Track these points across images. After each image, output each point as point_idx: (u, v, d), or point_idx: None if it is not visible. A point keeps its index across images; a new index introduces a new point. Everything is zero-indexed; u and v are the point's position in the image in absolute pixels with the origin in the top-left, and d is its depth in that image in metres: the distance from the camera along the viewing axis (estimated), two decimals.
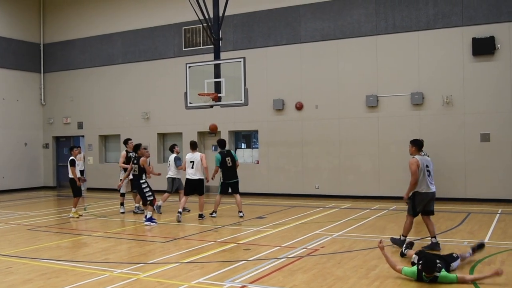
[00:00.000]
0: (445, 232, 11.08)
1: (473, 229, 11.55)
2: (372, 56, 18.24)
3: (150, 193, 13.28)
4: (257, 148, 20.55)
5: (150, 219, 13.11)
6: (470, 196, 16.60)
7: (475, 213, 14.08)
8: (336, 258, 8.83)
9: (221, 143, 14.47)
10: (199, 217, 13.81)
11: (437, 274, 7.15)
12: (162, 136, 22.66)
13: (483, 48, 16.54)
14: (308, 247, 9.77)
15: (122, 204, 15.66)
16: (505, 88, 16.38)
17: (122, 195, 15.65)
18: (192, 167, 13.91)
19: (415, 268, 7.33)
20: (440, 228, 11.46)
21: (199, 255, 9.29)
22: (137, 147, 13.79)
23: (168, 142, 22.53)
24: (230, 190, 14.16)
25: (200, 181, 13.92)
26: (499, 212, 14.24)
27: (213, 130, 14.67)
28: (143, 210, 15.30)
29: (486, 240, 10.24)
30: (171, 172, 15.20)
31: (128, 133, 21.50)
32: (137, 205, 15.43)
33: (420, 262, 7.27)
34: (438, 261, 7.28)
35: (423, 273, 7.18)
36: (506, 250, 9.20)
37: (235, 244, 10.29)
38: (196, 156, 14.01)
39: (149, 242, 10.82)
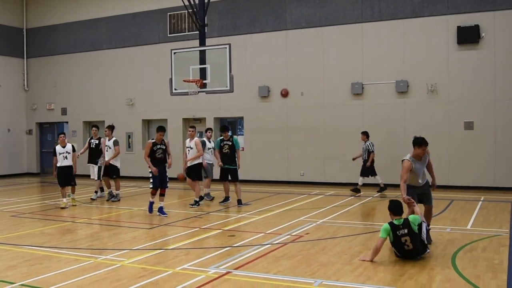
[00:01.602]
0: None
1: (456, 216, 11.66)
2: (358, 43, 18.22)
3: (151, 181, 12.10)
4: (242, 135, 20.51)
5: (158, 209, 12.29)
6: (453, 184, 16.73)
7: (458, 200, 14.21)
8: (320, 244, 8.87)
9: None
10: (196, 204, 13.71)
11: (406, 217, 7.81)
12: (147, 123, 22.52)
13: (468, 36, 16.59)
14: (293, 234, 9.79)
15: (102, 189, 15.54)
16: (488, 76, 16.48)
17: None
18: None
19: (386, 224, 7.79)
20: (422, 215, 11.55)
21: (184, 242, 9.28)
22: (160, 129, 12.13)
23: (153, 128, 22.41)
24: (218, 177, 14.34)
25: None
26: (481, 199, 14.38)
27: (181, 178, 14.28)
28: (113, 196, 15.04)
29: (468, 227, 10.36)
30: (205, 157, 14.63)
31: (113, 120, 21.30)
32: (109, 191, 15.18)
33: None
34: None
35: (394, 221, 7.70)
36: (488, 237, 9.30)
37: (220, 231, 10.28)
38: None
39: (133, 228, 10.77)
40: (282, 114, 19.41)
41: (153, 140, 12.10)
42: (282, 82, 19.40)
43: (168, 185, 12.40)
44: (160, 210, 12.21)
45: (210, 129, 15.33)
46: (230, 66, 14.17)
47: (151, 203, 12.36)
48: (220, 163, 13.67)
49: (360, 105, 18.17)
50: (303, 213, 12.26)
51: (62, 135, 14.02)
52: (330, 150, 18.63)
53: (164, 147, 12.15)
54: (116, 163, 15.05)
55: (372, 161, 15.83)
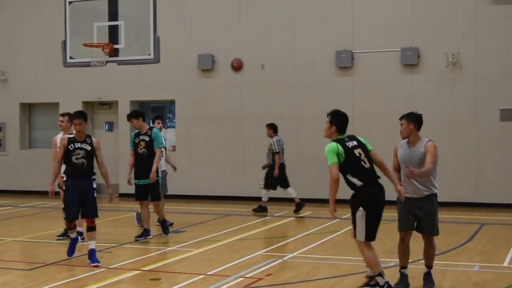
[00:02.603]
0: (446, 253, 11.27)
1: (487, 249, 11.81)
2: None
3: (63, 205, 11.36)
4: (174, 127, 20.41)
5: (88, 254, 10.87)
6: (484, 200, 17.00)
7: (490, 224, 14.45)
8: None
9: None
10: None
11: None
12: (28, 108, 22.14)
13: None
14: (247, 276, 9.77)
15: None
16: None
17: None
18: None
19: (330, 144, 8.41)
20: (440, 246, 11.53)
21: None
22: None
23: (37, 116, 22.05)
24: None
25: None
26: None
27: None
28: None
29: (505, 264, 10.50)
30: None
31: None
32: None
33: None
34: None
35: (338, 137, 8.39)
36: None
37: (138, 272, 10.19)
38: None
39: (4, 269, 10.54)
40: (234, 96, 19.39)
41: (71, 136, 11.00)
42: (233, 49, 19.38)
43: (97, 213, 11.10)
44: (91, 255, 10.77)
45: (160, 117, 14.94)
46: (155, 24, 14.13)
47: (73, 240, 11.23)
48: (128, 177, 13.28)
49: (348, 83, 18.28)
50: (263, 245, 12.29)
51: None
52: (303, 150, 18.67)
53: (89, 148, 10.88)
54: None
55: (281, 167, 16.17)
